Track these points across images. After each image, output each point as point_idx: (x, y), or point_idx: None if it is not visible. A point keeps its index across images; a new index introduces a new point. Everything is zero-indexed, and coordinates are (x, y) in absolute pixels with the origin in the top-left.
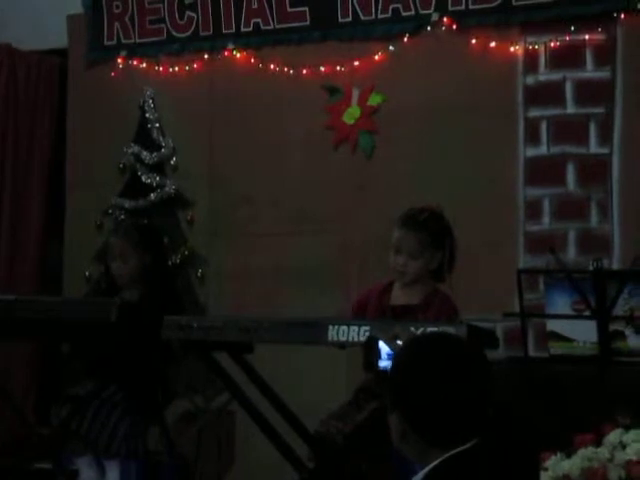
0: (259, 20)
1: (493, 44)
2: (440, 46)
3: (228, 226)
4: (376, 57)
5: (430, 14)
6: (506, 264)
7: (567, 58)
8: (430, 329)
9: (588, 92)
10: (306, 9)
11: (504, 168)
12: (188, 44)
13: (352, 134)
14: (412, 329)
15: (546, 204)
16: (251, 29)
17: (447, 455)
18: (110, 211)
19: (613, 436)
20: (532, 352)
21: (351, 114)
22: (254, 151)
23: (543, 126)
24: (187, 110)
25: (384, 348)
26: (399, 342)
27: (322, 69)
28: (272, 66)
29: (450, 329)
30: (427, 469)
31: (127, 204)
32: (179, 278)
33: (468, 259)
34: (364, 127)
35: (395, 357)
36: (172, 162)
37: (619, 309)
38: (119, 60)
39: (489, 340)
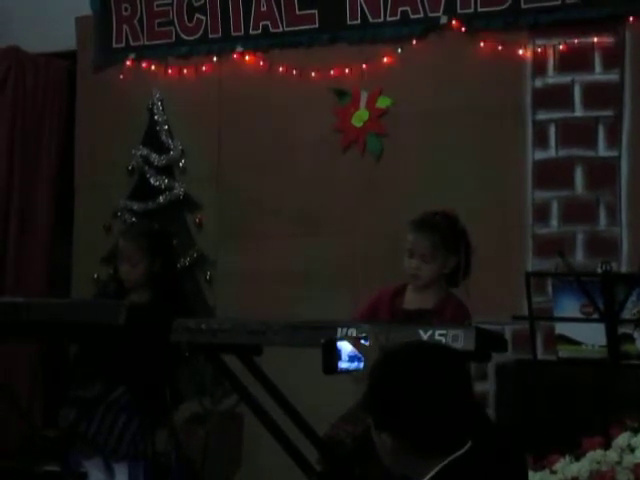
0: (268, 23)
1: (502, 47)
2: (448, 49)
3: (236, 228)
4: (384, 60)
5: (439, 17)
6: (515, 267)
7: (576, 61)
8: (439, 332)
9: (596, 95)
10: (315, 12)
11: (512, 171)
12: (197, 46)
13: (360, 137)
14: (421, 332)
15: (554, 207)
16: (260, 32)
17: (442, 464)
18: (119, 213)
19: (621, 439)
20: (541, 355)
21: (359, 117)
22: (262, 154)
23: (551, 129)
24: (196, 113)
25: (344, 349)
26: (365, 343)
27: (331, 72)
28: (281, 69)
29: (459, 332)
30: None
31: (135, 206)
32: (187, 281)
33: (476, 262)
34: (372, 130)
35: (371, 376)
36: (181, 164)
37: (627, 312)
38: (128, 62)
39: (498, 343)
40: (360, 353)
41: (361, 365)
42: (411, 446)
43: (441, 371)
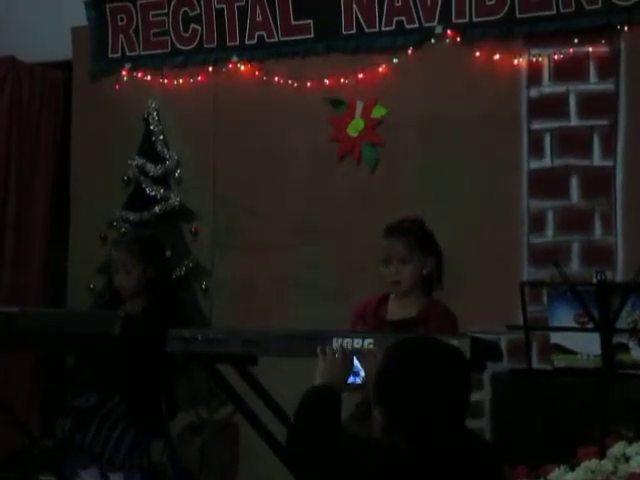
0: (263, 33)
1: (497, 56)
2: (444, 58)
3: (232, 238)
4: (380, 69)
5: (434, 27)
6: (510, 276)
7: (571, 70)
8: None
9: (592, 104)
10: (310, 22)
11: (508, 180)
12: (192, 56)
13: (356, 146)
14: None
15: (550, 216)
16: (255, 42)
17: (411, 450)
18: (115, 223)
19: (616, 448)
20: (536, 364)
21: (355, 126)
22: (258, 163)
23: (547, 138)
24: (191, 122)
25: None
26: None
27: (326, 81)
28: (276, 78)
29: (454, 341)
30: None
31: (131, 216)
32: (183, 290)
33: (472, 271)
34: (368, 139)
35: (383, 357)
36: (176, 174)
37: (622, 322)
38: (123, 72)
39: (493, 352)
40: (360, 366)
41: (357, 380)
42: (396, 427)
43: (442, 369)
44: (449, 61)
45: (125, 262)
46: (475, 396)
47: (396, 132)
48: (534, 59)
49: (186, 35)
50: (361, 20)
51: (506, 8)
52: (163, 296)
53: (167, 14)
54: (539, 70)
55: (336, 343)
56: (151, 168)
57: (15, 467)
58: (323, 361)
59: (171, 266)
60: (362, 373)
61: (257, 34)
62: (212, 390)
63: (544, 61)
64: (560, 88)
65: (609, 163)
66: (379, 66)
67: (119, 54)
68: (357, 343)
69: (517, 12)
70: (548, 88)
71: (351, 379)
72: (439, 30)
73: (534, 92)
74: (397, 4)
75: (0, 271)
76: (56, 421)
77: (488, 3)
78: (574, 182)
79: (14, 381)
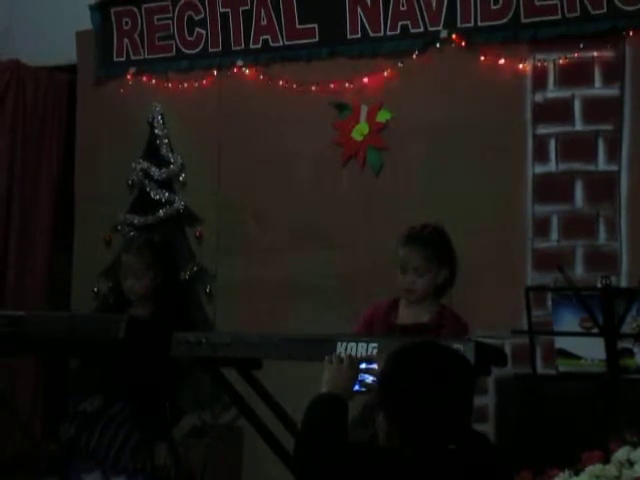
0: (268, 37)
1: (502, 61)
2: (449, 63)
3: (236, 242)
4: (385, 74)
5: (439, 31)
6: (514, 281)
7: (576, 75)
8: None
9: (597, 109)
10: (315, 26)
11: (512, 185)
12: (197, 60)
13: (360, 151)
14: None
15: (554, 221)
16: (260, 46)
17: (410, 454)
18: (119, 227)
19: (621, 453)
20: (540, 369)
21: (359, 131)
22: (262, 167)
23: (552, 143)
24: (196, 126)
25: None
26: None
27: (331, 86)
28: (281, 82)
29: (459, 346)
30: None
31: (136, 220)
32: (187, 294)
33: (476, 276)
34: (372, 144)
35: (385, 362)
36: (181, 178)
37: (627, 326)
38: (128, 76)
39: (497, 357)
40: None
41: (364, 388)
42: (399, 432)
43: (445, 378)
44: (454, 65)
45: (136, 268)
46: (479, 401)
47: (401, 136)
48: (539, 64)
49: (191, 39)
50: (366, 24)
51: (511, 13)
52: (172, 301)
53: (172, 18)
54: (544, 75)
55: (340, 347)
56: (155, 172)
57: (18, 470)
58: (330, 369)
59: (179, 271)
60: (369, 380)
61: (262, 38)
62: (216, 394)
63: (549, 66)
64: (565, 93)
65: (614, 168)
66: (384, 70)
67: (124, 58)
68: (361, 347)
69: (522, 17)
70: (553, 93)
71: (357, 387)
72: (444, 34)
73: (539, 97)
74: (402, 8)
75: (4, 274)
76: (60, 424)
77: (493, 7)
78: (579, 187)
79: (18, 384)
